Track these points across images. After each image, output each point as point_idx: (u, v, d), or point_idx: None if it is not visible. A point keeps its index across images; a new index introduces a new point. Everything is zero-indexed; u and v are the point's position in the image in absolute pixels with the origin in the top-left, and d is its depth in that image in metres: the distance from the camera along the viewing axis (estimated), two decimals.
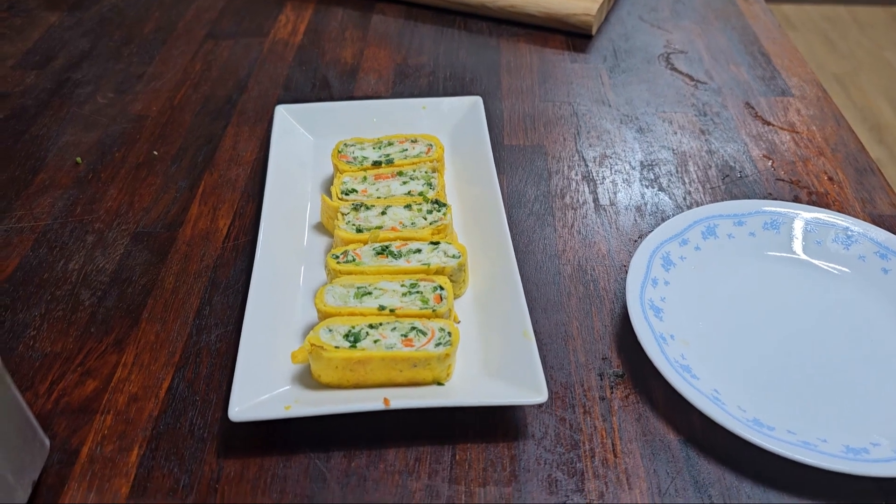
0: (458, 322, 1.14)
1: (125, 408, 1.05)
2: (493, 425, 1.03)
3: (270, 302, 1.14)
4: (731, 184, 1.44)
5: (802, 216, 1.30)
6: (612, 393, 1.08)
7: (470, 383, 1.04)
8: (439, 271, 1.14)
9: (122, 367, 1.11)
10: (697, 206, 1.39)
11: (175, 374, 1.09)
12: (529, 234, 1.33)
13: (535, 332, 1.14)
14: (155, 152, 1.51)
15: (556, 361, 1.12)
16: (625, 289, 1.18)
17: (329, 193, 1.33)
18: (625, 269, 1.26)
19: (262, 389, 1.01)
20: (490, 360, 1.07)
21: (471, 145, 1.44)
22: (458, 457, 0.99)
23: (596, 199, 1.40)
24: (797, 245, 1.27)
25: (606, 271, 1.26)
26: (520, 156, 1.51)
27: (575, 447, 1.01)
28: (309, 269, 1.23)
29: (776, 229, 1.29)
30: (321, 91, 1.68)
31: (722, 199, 1.41)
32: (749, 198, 1.42)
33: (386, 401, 0.97)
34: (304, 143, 1.47)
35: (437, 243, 1.18)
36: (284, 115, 1.49)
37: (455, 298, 1.17)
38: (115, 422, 1.04)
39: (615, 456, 1.00)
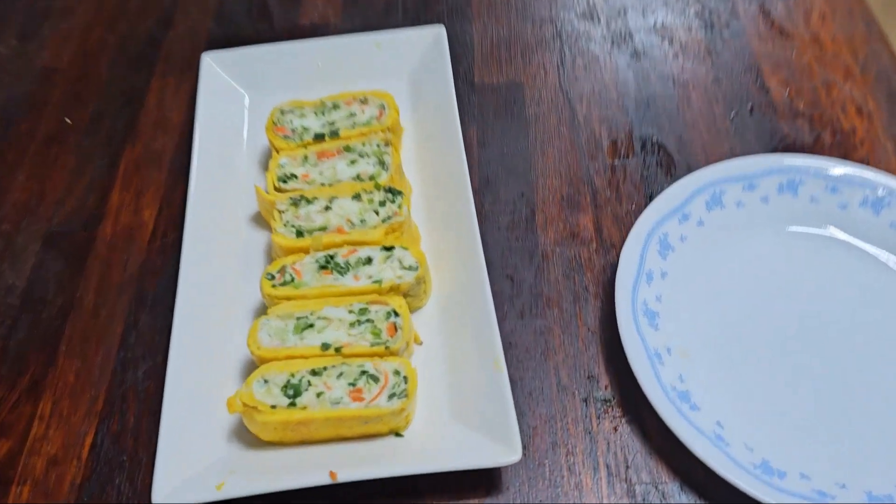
0: (420, 344, 0.98)
1: (44, 475, 0.92)
2: (461, 477, 0.90)
3: (200, 333, 0.98)
4: (741, 122, 1.22)
5: (822, 173, 1.08)
6: (598, 424, 0.93)
7: (433, 431, 0.90)
8: (393, 289, 0.96)
9: (39, 420, 0.97)
10: (701, 157, 1.18)
11: (99, 426, 0.96)
12: (503, 207, 1.13)
13: (509, 344, 0.99)
14: (67, 120, 1.29)
15: (535, 384, 0.96)
16: (614, 283, 1.01)
17: (265, 177, 1.12)
18: (615, 251, 1.08)
19: (191, 459, 0.87)
20: (456, 398, 0.92)
21: (434, 96, 1.20)
22: None
23: (582, 158, 1.19)
24: (818, 212, 1.08)
25: (594, 257, 1.08)
26: (493, 98, 1.27)
27: (555, 498, 0.88)
28: (247, 279, 1.05)
29: (793, 192, 1.09)
30: (259, 22, 1.42)
31: (730, 144, 1.19)
32: (761, 140, 1.20)
33: (332, 474, 0.83)
34: (237, 102, 1.25)
35: (390, 248, 0.99)
36: (213, 67, 1.25)
37: (415, 310, 1.01)
38: (34, 493, 0.91)
39: None
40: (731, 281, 1.03)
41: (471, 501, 0.88)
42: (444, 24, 1.31)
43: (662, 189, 1.13)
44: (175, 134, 1.25)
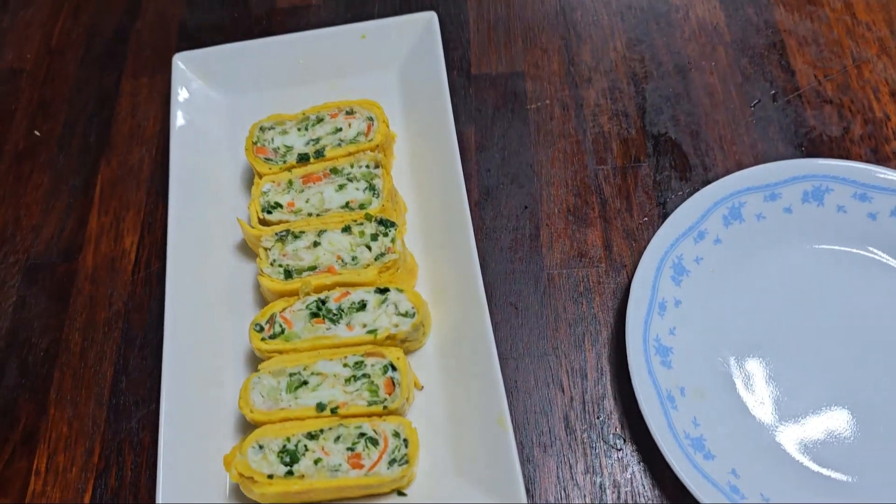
0: (421, 389, 0.94)
1: None
2: None
3: (191, 381, 0.94)
4: (763, 113, 1.12)
5: (849, 178, 1.00)
6: (608, 469, 0.90)
7: (437, 489, 0.87)
8: (390, 338, 0.91)
9: (35, 476, 0.95)
10: (718, 156, 1.09)
11: (96, 481, 0.94)
12: (505, 222, 1.06)
13: (514, 383, 0.94)
14: (36, 132, 1.20)
15: (540, 427, 0.92)
16: (625, 310, 0.95)
17: (248, 205, 1.05)
18: (626, 272, 1.02)
19: None
20: (459, 452, 0.89)
21: (426, 93, 1.11)
22: None
23: (590, 161, 1.10)
24: (846, 223, 1.00)
25: (604, 279, 1.01)
26: (492, 92, 1.17)
27: None
28: (235, 315, 1.00)
29: (819, 201, 1.01)
30: (235, 7, 1.30)
31: (750, 139, 1.10)
32: (785, 134, 1.10)
33: None
34: (214, 109, 1.15)
35: (385, 290, 0.93)
36: (185, 73, 1.15)
37: (412, 353, 0.96)
38: None
39: None
40: (752, 306, 0.97)
41: None
42: (436, 6, 1.20)
43: (676, 196, 1.06)
44: (151, 146, 1.17)
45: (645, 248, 1.01)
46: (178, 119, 1.11)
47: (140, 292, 1.05)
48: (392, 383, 0.88)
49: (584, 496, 0.88)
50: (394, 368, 0.88)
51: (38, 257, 1.09)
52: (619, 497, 0.88)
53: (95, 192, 1.14)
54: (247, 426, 0.93)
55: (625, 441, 0.91)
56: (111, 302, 1.05)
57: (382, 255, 0.95)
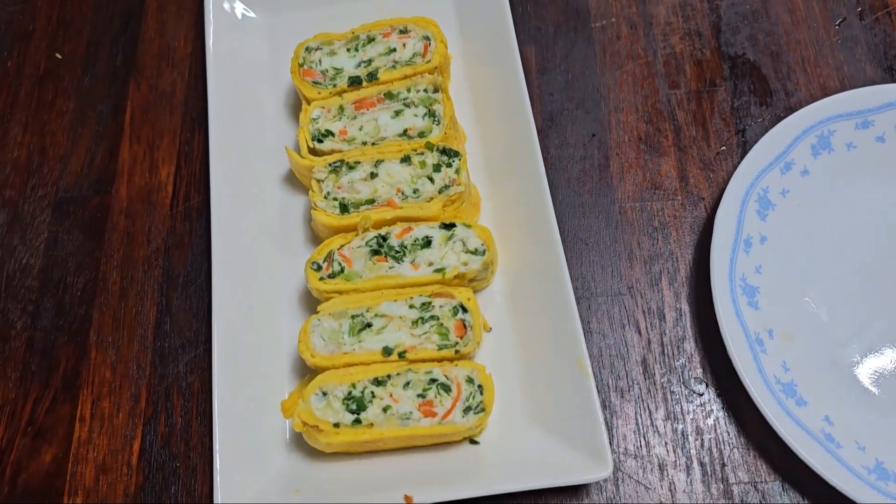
0: (489, 330, 0.88)
1: (94, 485, 0.86)
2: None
3: (243, 323, 0.88)
4: (848, 32, 1.03)
5: None
6: (690, 416, 0.85)
7: (511, 437, 0.82)
8: (458, 277, 0.84)
9: (80, 423, 0.89)
10: (801, 79, 1.01)
11: (145, 428, 0.89)
12: (572, 151, 0.98)
13: (587, 327, 0.89)
14: (58, 55, 1.11)
15: (617, 372, 0.87)
16: (706, 244, 0.89)
17: (297, 132, 0.97)
18: (704, 205, 0.95)
19: (252, 474, 0.80)
20: (534, 398, 0.83)
21: (484, 9, 1.01)
22: None
23: (662, 85, 1.01)
24: None
25: (680, 212, 0.94)
26: (553, 8, 1.07)
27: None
28: (287, 252, 0.93)
29: None
30: None
31: (835, 61, 1.01)
32: (874, 55, 1.01)
33: (408, 498, 0.76)
34: (252, 28, 1.06)
35: (450, 226, 0.86)
36: None
37: (479, 291, 0.89)
38: None
39: None
40: (841, 243, 0.90)
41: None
42: None
43: (756, 123, 0.98)
44: (183, 68, 1.08)
45: (724, 179, 0.94)
46: (214, 39, 1.01)
47: (180, 228, 0.98)
48: (463, 326, 0.82)
49: (666, 444, 0.84)
50: (464, 310, 0.82)
51: (67, 190, 1.02)
52: (702, 445, 0.83)
53: (125, 118, 1.05)
54: (303, 370, 0.88)
55: (707, 386, 0.86)
56: (149, 238, 0.98)
57: (446, 187, 0.88)
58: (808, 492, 0.81)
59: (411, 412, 0.78)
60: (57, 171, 1.03)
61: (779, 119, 0.96)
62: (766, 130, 0.92)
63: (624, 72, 1.02)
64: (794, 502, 0.81)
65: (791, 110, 0.97)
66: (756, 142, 0.91)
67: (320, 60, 0.96)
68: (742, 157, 0.93)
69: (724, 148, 0.97)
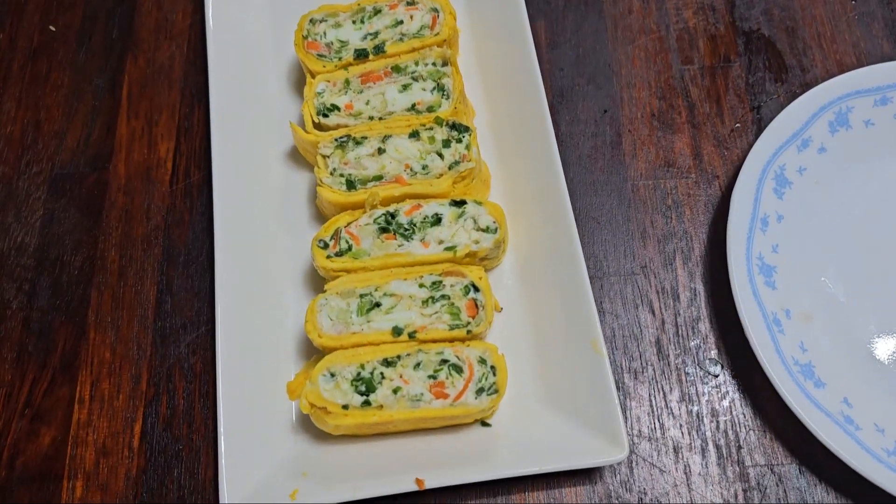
0: (500, 310, 0.86)
1: (95, 468, 0.84)
2: None
3: (246, 303, 0.85)
4: (865, 7, 1.01)
5: None
6: (706, 398, 0.83)
7: (523, 419, 0.80)
8: (469, 256, 0.82)
9: (79, 405, 0.87)
10: (817, 55, 0.98)
11: (146, 411, 0.86)
12: (583, 128, 0.96)
13: (600, 307, 0.87)
14: (52, 27, 1.08)
15: (631, 352, 0.85)
16: (721, 223, 0.87)
17: (301, 106, 0.94)
18: (719, 183, 0.92)
19: (257, 457, 0.78)
20: (547, 379, 0.82)
21: None
22: None
23: (675, 60, 0.99)
24: None
25: (694, 190, 0.92)
26: None
27: (655, 489, 0.80)
28: (291, 231, 0.91)
29: None
30: None
31: (852, 37, 0.99)
32: (892, 30, 0.99)
33: (419, 482, 0.74)
34: (252, 1, 1.02)
35: (461, 203, 0.84)
36: None
37: (488, 271, 0.87)
38: (88, 490, 0.83)
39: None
40: (859, 221, 0.88)
41: (566, 490, 0.80)
42: None
43: (772, 100, 0.95)
44: (181, 41, 1.05)
45: (739, 157, 0.92)
46: (213, 11, 0.98)
47: (180, 205, 0.96)
48: (475, 305, 0.79)
49: (680, 426, 0.82)
50: (476, 289, 0.80)
51: (63, 167, 0.99)
52: (717, 427, 0.82)
53: (122, 92, 1.02)
54: (308, 351, 0.85)
55: (722, 367, 0.84)
56: (149, 216, 0.95)
57: (457, 163, 0.85)
58: (826, 474, 0.80)
59: (422, 394, 0.76)
60: (52, 147, 1.00)
61: (794, 96, 0.94)
62: (782, 107, 0.90)
63: (636, 47, 1.00)
64: (811, 485, 0.79)
65: (807, 87, 0.95)
66: (772, 119, 0.89)
67: (325, 33, 0.93)
68: (757, 135, 0.91)
69: (738, 125, 0.95)
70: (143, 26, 1.06)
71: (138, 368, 0.88)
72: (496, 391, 0.76)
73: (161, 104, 1.01)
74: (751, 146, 0.88)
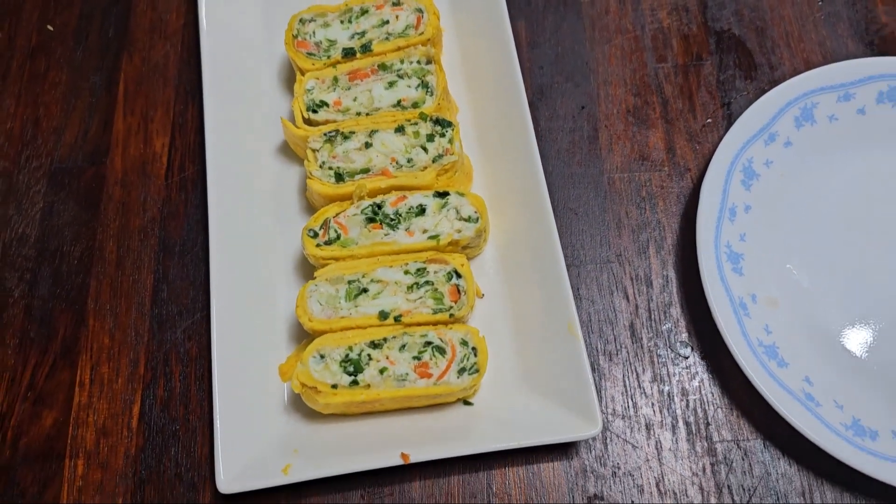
0: (481, 296, 0.90)
1: (95, 447, 0.88)
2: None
3: (240, 289, 0.89)
4: (832, 9, 1.05)
5: None
6: (676, 378, 0.88)
7: (503, 398, 0.84)
8: (452, 244, 0.86)
9: (80, 388, 0.91)
10: (785, 54, 1.03)
11: (144, 393, 0.90)
12: (562, 123, 1.00)
13: (576, 292, 0.91)
14: (49, 27, 1.11)
15: (605, 335, 0.90)
16: (692, 213, 0.92)
17: (291, 102, 0.98)
18: (690, 176, 0.97)
19: (251, 436, 0.82)
20: (526, 361, 0.86)
21: None
22: (495, 489, 0.84)
23: (650, 59, 1.03)
24: None
25: (667, 183, 0.97)
26: None
27: (628, 463, 0.85)
28: (283, 221, 0.95)
29: (894, 102, 0.96)
30: None
31: (818, 37, 1.04)
32: (856, 31, 1.04)
33: (405, 456, 0.79)
34: (244, 1, 1.06)
35: (444, 194, 0.88)
36: None
37: (472, 259, 0.92)
38: (89, 468, 0.87)
39: (680, 475, 0.84)
40: (823, 212, 0.93)
41: (544, 465, 0.84)
42: None
43: (741, 96, 1.00)
44: (175, 40, 1.09)
45: (710, 150, 0.97)
46: (206, 11, 1.02)
47: (175, 198, 1.00)
48: (457, 290, 0.84)
49: (652, 405, 0.87)
50: (458, 275, 0.84)
51: (62, 161, 1.02)
52: (687, 405, 0.86)
53: (119, 90, 1.06)
54: (300, 336, 0.90)
55: (692, 349, 0.89)
56: (145, 208, 0.99)
57: (440, 156, 0.89)
58: (789, 449, 0.84)
59: (407, 373, 0.80)
60: (51, 143, 1.04)
61: (763, 92, 0.98)
62: (751, 103, 0.95)
63: (613, 46, 1.05)
64: (775, 458, 0.84)
65: (775, 84, 0.99)
66: (741, 114, 0.93)
67: (314, 32, 0.97)
68: (727, 129, 0.95)
69: (709, 120, 1.00)
70: (138, 26, 1.10)
71: (136, 353, 0.92)
72: (477, 371, 0.80)
73: (156, 101, 1.05)
74: (721, 140, 0.93)
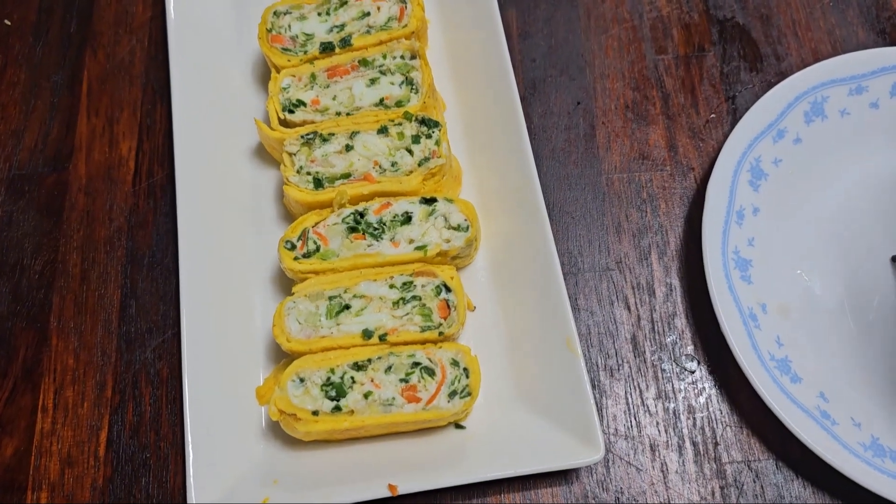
0: (473, 310, 0.84)
1: (60, 478, 0.82)
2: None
3: (212, 306, 0.83)
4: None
5: None
6: (682, 394, 0.82)
7: (498, 420, 0.78)
8: (441, 256, 0.80)
9: (42, 413, 0.84)
10: (792, 43, 0.97)
11: (112, 418, 0.84)
12: (556, 120, 0.94)
13: (574, 303, 0.85)
14: (7, 21, 1.04)
15: (606, 349, 0.84)
16: (697, 216, 0.86)
17: (266, 102, 0.91)
18: (694, 175, 0.91)
19: (226, 464, 0.76)
20: (520, 379, 0.80)
21: None
22: None
23: (649, 50, 0.97)
24: None
25: (669, 183, 0.91)
26: None
27: (632, 488, 0.79)
28: (258, 230, 0.89)
29: None
30: None
31: (827, 24, 0.98)
32: (866, 18, 0.98)
33: (392, 488, 0.73)
34: None
35: (431, 200, 0.82)
36: None
37: (460, 269, 0.85)
38: (53, 501, 0.81)
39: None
40: (836, 213, 0.88)
41: (542, 491, 0.79)
42: None
43: (747, 90, 0.94)
44: (142, 35, 1.02)
45: (714, 148, 0.91)
46: (175, 3, 0.95)
47: (143, 206, 0.93)
48: (447, 306, 0.78)
49: (657, 423, 0.81)
50: (448, 289, 0.78)
51: (22, 167, 0.95)
52: (694, 424, 0.81)
53: (82, 89, 0.99)
54: (278, 355, 0.83)
55: (698, 363, 0.84)
56: (111, 217, 0.93)
57: (426, 159, 0.83)
58: (803, 470, 0.79)
59: (394, 398, 0.74)
60: (9, 147, 0.96)
61: (770, 85, 0.92)
62: (757, 97, 0.89)
63: (609, 36, 0.98)
64: (788, 480, 0.79)
65: (782, 75, 0.94)
66: (747, 109, 0.88)
67: (290, 25, 0.90)
68: (733, 125, 0.90)
69: (713, 115, 0.94)
70: (101, 19, 1.03)
71: (103, 375, 0.86)
72: (469, 394, 0.74)
73: (122, 101, 0.98)
74: (726, 137, 0.87)
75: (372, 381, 0.75)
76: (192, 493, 0.74)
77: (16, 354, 0.87)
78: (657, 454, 0.80)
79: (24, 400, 0.85)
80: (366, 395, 0.74)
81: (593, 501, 0.78)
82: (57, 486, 0.82)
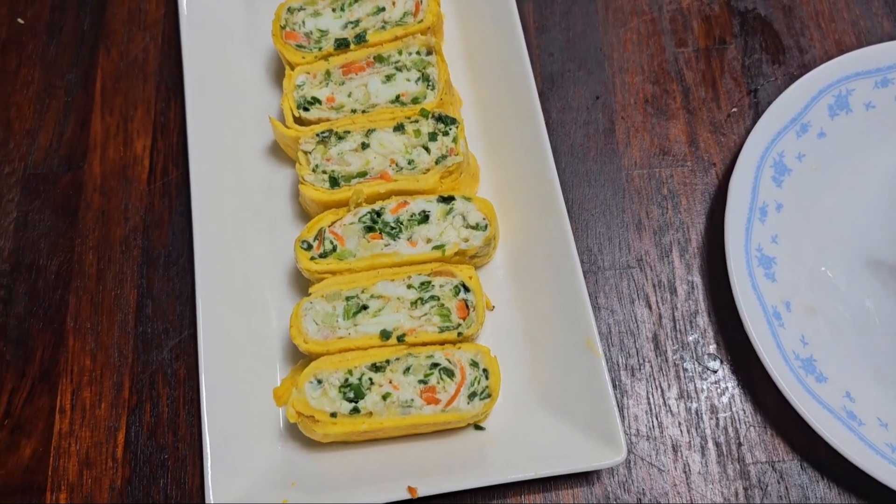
0: (492, 309, 0.83)
1: (78, 479, 0.82)
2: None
3: (229, 305, 0.82)
4: None
5: None
6: (704, 394, 0.81)
7: (518, 422, 0.77)
8: (459, 255, 0.79)
9: (60, 414, 0.84)
10: (815, 35, 0.95)
11: (129, 419, 0.84)
12: (575, 115, 0.93)
13: (594, 302, 0.84)
14: (20, 20, 1.03)
15: (627, 349, 0.83)
16: (719, 212, 0.84)
17: (280, 100, 0.90)
18: (716, 171, 0.90)
19: (244, 466, 0.76)
20: (541, 380, 0.79)
21: None
22: None
23: (668, 43, 0.95)
24: None
25: (690, 179, 0.89)
26: None
27: (654, 489, 0.78)
28: (274, 230, 0.88)
29: None
30: None
31: (850, 15, 0.95)
32: (889, 8, 0.96)
33: (412, 490, 0.72)
34: None
35: (449, 199, 0.81)
36: None
37: (478, 268, 0.84)
38: (71, 502, 0.81)
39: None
40: (862, 208, 0.86)
41: (563, 492, 0.78)
42: None
43: (769, 83, 0.92)
44: (155, 32, 1.01)
45: (736, 143, 0.89)
46: (187, 1, 0.94)
47: (158, 205, 0.92)
48: (465, 306, 0.77)
49: (679, 424, 0.80)
50: (466, 289, 0.77)
51: (36, 167, 0.95)
52: (717, 424, 0.80)
53: (96, 87, 0.98)
54: (295, 355, 0.83)
55: (721, 362, 0.82)
56: (126, 216, 0.92)
57: (444, 157, 0.82)
58: (829, 471, 0.78)
59: (413, 399, 0.73)
60: (24, 147, 0.96)
61: (793, 78, 0.90)
62: (780, 90, 0.87)
63: (628, 29, 0.96)
64: (813, 481, 0.77)
65: (805, 68, 0.92)
66: (770, 103, 0.86)
67: (304, 22, 0.89)
68: (755, 120, 0.88)
69: (735, 109, 0.92)
70: (114, 17, 1.02)
71: (120, 375, 0.85)
72: (489, 395, 0.73)
73: (136, 99, 0.98)
74: (748, 131, 0.85)
75: (390, 382, 0.74)
76: (210, 495, 0.73)
77: (33, 356, 0.87)
78: (679, 455, 0.79)
79: (41, 401, 0.85)
80: (384, 397, 0.73)
81: (615, 503, 0.77)
82: (75, 487, 0.82)
